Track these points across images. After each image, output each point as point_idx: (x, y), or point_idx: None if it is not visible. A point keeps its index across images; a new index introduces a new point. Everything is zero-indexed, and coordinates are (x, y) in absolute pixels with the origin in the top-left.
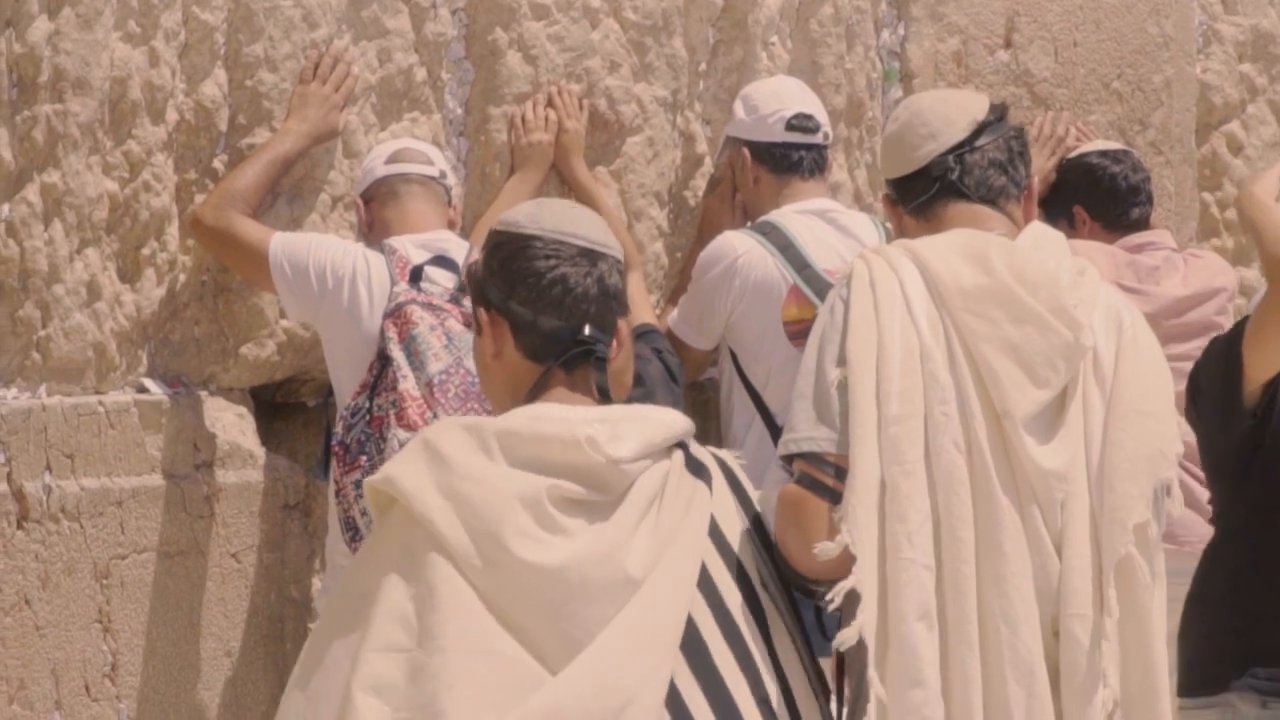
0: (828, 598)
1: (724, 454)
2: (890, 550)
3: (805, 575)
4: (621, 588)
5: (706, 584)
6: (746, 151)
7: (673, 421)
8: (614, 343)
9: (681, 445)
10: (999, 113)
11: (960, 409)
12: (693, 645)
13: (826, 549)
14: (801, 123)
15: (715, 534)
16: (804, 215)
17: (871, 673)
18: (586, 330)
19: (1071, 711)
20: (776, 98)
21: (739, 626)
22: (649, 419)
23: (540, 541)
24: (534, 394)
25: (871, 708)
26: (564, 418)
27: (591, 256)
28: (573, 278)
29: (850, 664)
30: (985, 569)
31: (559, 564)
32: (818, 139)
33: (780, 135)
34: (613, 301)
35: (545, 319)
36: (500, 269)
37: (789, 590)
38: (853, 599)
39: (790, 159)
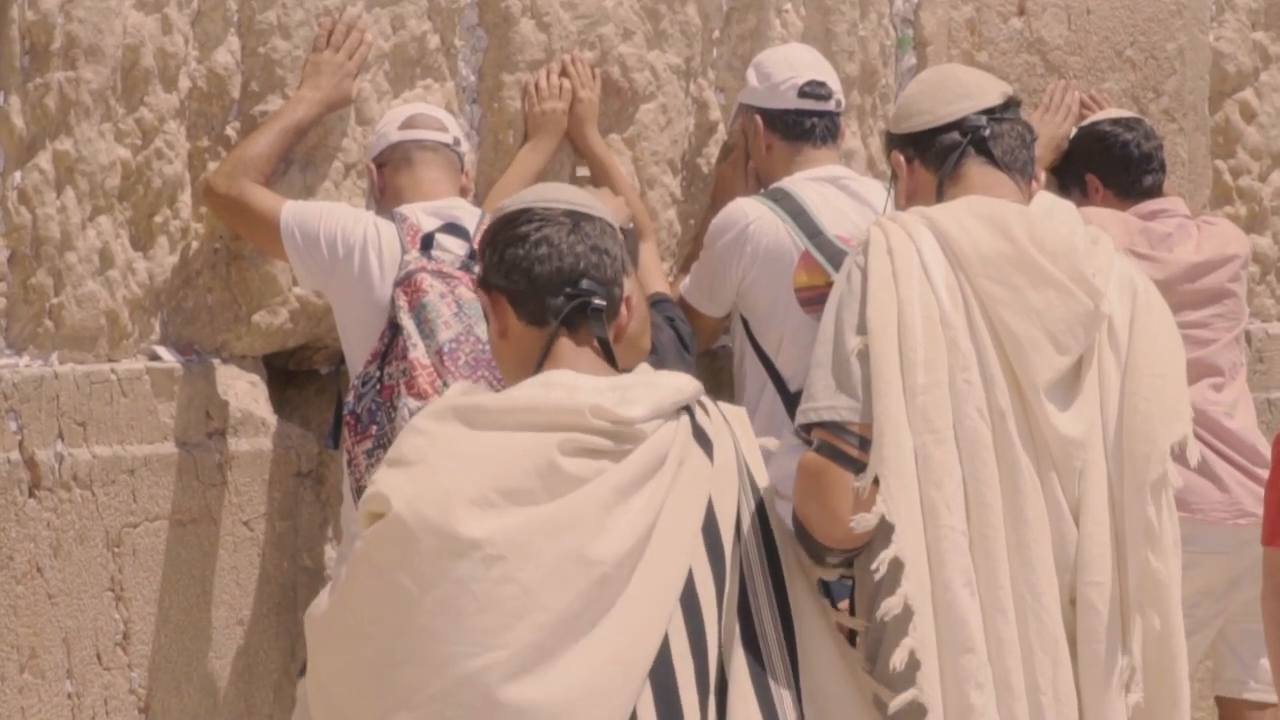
0: (872, 567)
1: (732, 414)
2: (929, 518)
3: (826, 545)
4: (576, 566)
5: (689, 589)
6: (759, 119)
7: (682, 386)
8: (623, 301)
9: (689, 410)
10: (1019, 100)
11: (982, 376)
12: (660, 664)
13: (864, 519)
14: (814, 90)
15: (709, 522)
16: (816, 182)
17: (908, 642)
18: (583, 284)
19: (1089, 679)
20: (789, 65)
21: (707, 639)
22: (658, 384)
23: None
24: (542, 362)
25: (922, 677)
26: (573, 384)
27: (575, 217)
28: (557, 236)
29: (868, 631)
30: (1009, 536)
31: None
32: (830, 106)
33: (793, 102)
34: (605, 257)
35: (537, 278)
36: (491, 243)
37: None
38: (894, 568)
39: (802, 126)
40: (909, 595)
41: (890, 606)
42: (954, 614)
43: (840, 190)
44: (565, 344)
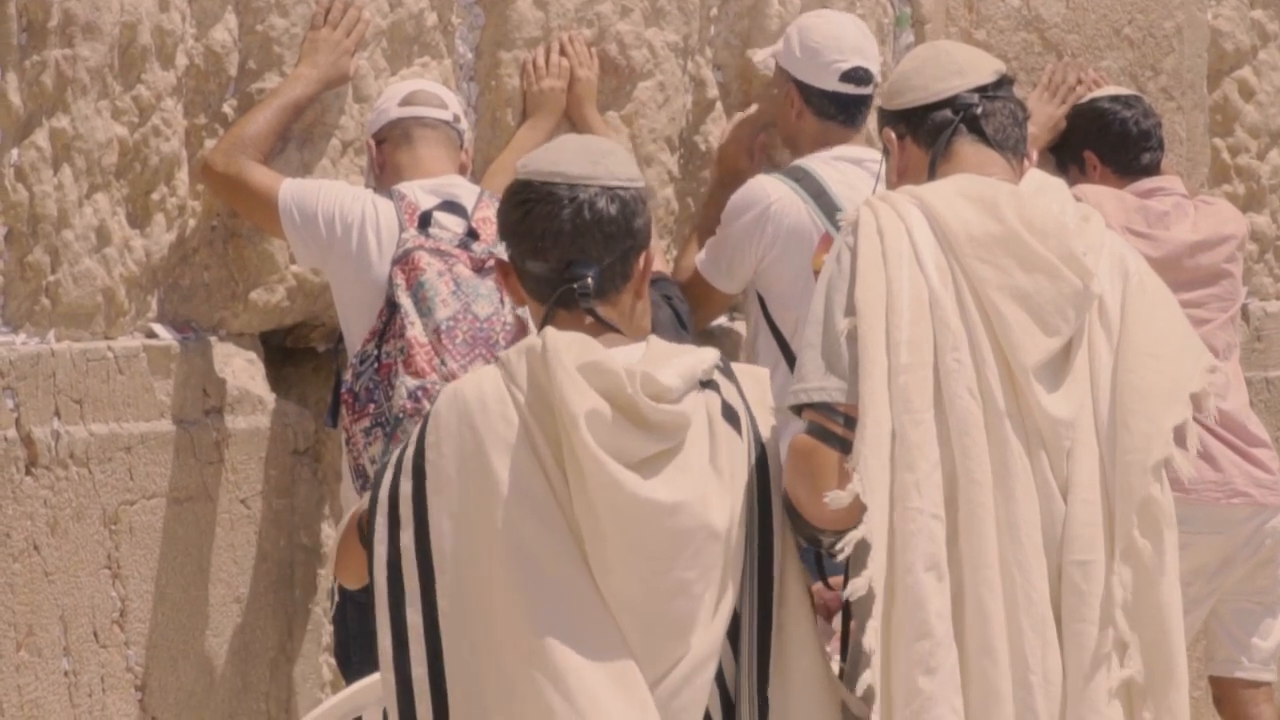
0: (838, 547)
1: (749, 377)
2: (898, 499)
3: (814, 525)
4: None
5: None
6: (795, 89)
7: (704, 356)
8: (636, 262)
9: (714, 384)
10: (1012, 78)
11: (973, 355)
12: None
13: (838, 498)
14: (857, 75)
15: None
16: (839, 162)
17: (873, 624)
18: (568, 269)
19: (1073, 658)
20: (837, 44)
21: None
22: (682, 358)
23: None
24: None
25: (875, 660)
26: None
27: (572, 189)
28: (542, 220)
29: (856, 612)
30: (999, 515)
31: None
32: (868, 90)
33: (833, 85)
34: (595, 232)
35: (529, 263)
36: (499, 216)
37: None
38: (863, 549)
39: (837, 107)
40: (873, 578)
41: (856, 588)
42: (912, 598)
43: (864, 171)
44: (563, 320)
